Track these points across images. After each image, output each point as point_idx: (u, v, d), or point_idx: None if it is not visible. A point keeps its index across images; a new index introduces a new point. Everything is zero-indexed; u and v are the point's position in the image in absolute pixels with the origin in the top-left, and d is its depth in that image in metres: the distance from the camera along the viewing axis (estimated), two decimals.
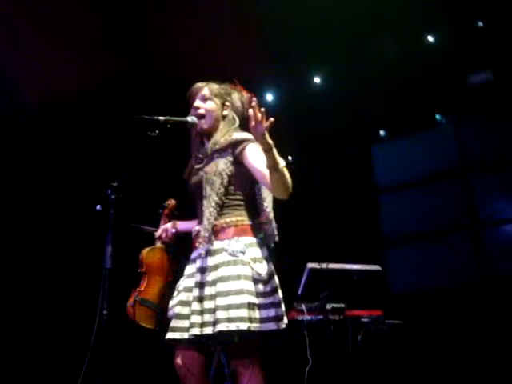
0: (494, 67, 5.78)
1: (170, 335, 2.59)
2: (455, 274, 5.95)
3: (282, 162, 2.41)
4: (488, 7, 5.46)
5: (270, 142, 2.37)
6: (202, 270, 2.57)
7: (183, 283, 2.68)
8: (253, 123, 2.34)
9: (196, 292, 2.55)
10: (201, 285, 2.55)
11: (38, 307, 4.95)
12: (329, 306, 3.95)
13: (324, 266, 4.00)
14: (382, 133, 6.73)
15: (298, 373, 3.76)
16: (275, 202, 2.67)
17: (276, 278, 2.62)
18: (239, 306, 2.41)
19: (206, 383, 2.68)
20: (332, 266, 4.04)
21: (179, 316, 2.60)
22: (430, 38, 5.79)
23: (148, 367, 4.74)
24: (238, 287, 2.44)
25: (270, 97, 6.49)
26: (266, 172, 2.46)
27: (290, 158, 7.13)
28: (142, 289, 2.97)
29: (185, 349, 2.61)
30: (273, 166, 2.40)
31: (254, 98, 2.41)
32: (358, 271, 4.13)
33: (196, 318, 2.50)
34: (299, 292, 4.11)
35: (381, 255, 6.12)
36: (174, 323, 2.60)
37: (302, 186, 6.19)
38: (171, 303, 2.70)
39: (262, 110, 2.35)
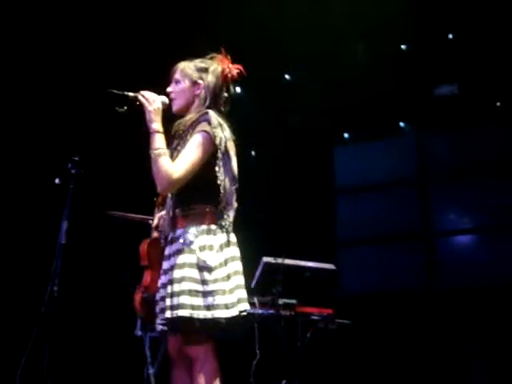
0: (460, 81, 5.90)
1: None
2: (405, 280, 6.05)
3: (157, 151, 2.45)
4: (459, 21, 5.57)
5: (154, 126, 2.48)
6: (166, 258, 2.61)
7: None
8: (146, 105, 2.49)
9: (162, 278, 2.60)
10: (165, 272, 2.59)
11: None
12: (281, 302, 3.95)
13: (279, 261, 4.00)
14: (346, 135, 6.77)
15: (245, 365, 3.76)
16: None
17: (231, 264, 2.55)
18: (179, 294, 2.43)
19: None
20: (287, 261, 4.05)
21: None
22: (403, 47, 5.86)
23: (96, 344, 4.64)
24: (180, 275, 2.45)
25: (238, 89, 6.44)
26: (176, 161, 2.48)
27: (253, 152, 7.13)
28: (148, 284, 2.81)
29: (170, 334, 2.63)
30: (151, 150, 2.47)
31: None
32: (313, 269, 4.15)
33: (161, 304, 2.56)
34: (252, 285, 4.10)
35: (334, 255, 6.17)
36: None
37: (264, 181, 6.27)
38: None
39: (145, 94, 2.50)
